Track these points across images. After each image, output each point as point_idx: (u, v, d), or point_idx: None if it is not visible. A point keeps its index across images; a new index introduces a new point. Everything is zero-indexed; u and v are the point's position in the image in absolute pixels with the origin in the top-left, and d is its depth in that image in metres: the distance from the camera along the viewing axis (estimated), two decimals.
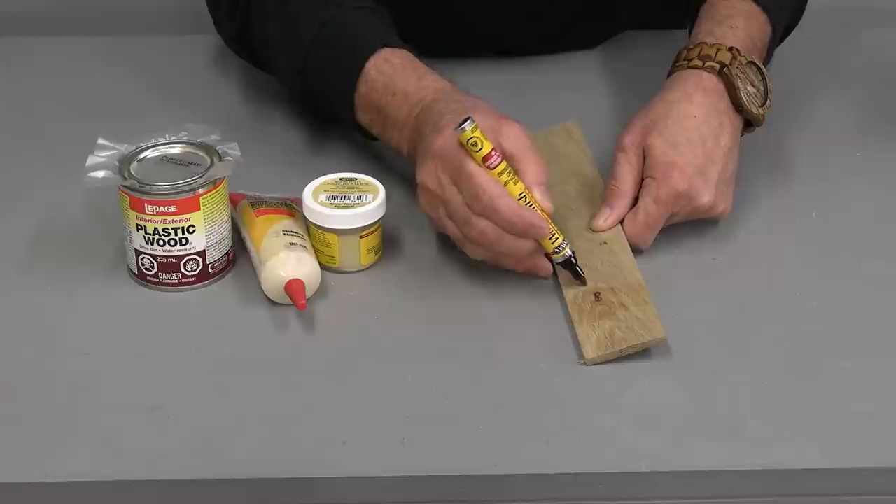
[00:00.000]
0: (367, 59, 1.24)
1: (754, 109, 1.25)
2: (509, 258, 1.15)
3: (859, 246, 1.23)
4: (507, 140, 1.13)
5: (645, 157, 1.21)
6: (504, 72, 1.46)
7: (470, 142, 1.10)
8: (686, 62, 1.26)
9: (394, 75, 1.23)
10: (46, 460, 1.01)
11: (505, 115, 1.16)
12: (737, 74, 1.24)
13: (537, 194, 1.13)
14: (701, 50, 1.26)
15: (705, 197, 1.20)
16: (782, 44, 1.44)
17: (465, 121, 1.10)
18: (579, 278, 1.16)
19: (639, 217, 1.20)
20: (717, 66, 1.24)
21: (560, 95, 1.44)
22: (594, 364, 1.09)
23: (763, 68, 1.27)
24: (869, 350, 1.12)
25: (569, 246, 1.15)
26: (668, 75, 1.28)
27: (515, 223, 1.11)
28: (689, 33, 1.34)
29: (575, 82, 1.47)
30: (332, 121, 1.33)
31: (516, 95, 1.41)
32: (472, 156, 1.11)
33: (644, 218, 1.20)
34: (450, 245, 1.19)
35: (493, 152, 1.11)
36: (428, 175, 1.14)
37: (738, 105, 1.24)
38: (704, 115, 1.22)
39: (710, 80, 1.24)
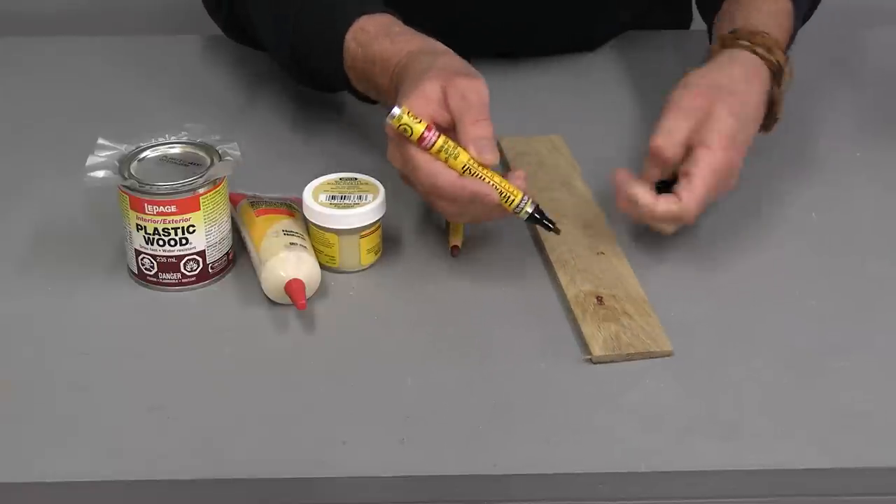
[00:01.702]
0: (345, 31, 1.25)
1: (780, 116, 1.26)
2: (484, 219, 1.17)
3: (859, 246, 1.23)
4: (453, 98, 1.14)
5: (697, 126, 1.18)
6: (504, 73, 1.46)
7: (401, 129, 1.12)
8: (749, 46, 1.25)
9: (369, 44, 1.23)
10: (46, 460, 1.01)
11: (461, 72, 1.16)
12: (787, 81, 1.25)
13: (473, 152, 1.13)
14: (763, 38, 1.25)
15: (740, 164, 1.19)
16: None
17: (393, 109, 1.12)
18: (551, 230, 1.16)
19: (696, 191, 1.15)
20: (775, 64, 1.24)
21: (560, 96, 1.44)
22: (599, 362, 1.09)
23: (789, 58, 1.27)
24: (869, 350, 1.12)
25: (530, 201, 1.15)
26: (720, 43, 1.27)
27: (459, 196, 1.12)
28: (704, 16, 1.33)
29: (575, 83, 1.47)
30: (334, 91, 1.34)
31: (516, 97, 1.41)
32: (409, 141, 1.13)
33: (702, 193, 1.15)
34: (447, 244, 1.20)
35: (425, 133, 1.12)
36: (391, 155, 1.17)
37: (774, 107, 1.25)
38: (755, 104, 1.22)
39: (766, 73, 1.24)
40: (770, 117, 1.26)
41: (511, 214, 1.15)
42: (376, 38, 1.24)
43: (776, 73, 1.25)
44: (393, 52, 1.22)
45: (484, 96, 1.15)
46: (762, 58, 1.24)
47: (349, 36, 1.25)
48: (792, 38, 1.33)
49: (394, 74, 1.21)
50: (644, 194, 1.16)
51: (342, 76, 1.26)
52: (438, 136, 1.13)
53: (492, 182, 1.13)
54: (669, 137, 1.17)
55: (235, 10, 1.38)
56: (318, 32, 1.27)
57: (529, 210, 1.15)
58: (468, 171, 1.13)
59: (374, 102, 1.29)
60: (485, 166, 1.13)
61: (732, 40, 1.26)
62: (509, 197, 1.14)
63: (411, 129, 1.12)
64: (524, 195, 1.15)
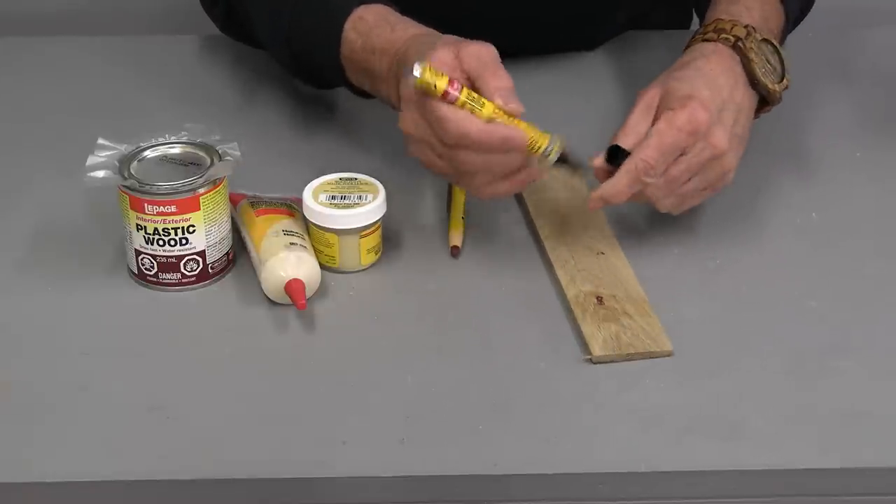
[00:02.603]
0: (343, 21, 1.25)
1: (769, 84, 1.24)
2: (507, 181, 1.15)
3: (860, 245, 1.23)
4: (467, 61, 1.14)
5: (661, 103, 1.19)
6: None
7: (423, 85, 1.11)
8: (701, 35, 1.26)
9: (369, 33, 1.23)
10: (46, 460, 1.01)
11: (466, 40, 1.16)
12: (750, 48, 1.23)
13: (499, 101, 1.13)
14: (716, 25, 1.25)
15: (721, 136, 1.17)
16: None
17: (415, 66, 1.11)
18: (580, 166, 1.16)
19: (651, 139, 1.16)
20: (732, 39, 1.23)
21: (560, 96, 1.44)
22: (599, 362, 1.09)
23: (779, 47, 1.26)
24: (869, 350, 1.11)
25: (558, 142, 1.14)
26: (684, 51, 1.27)
27: (487, 141, 1.11)
28: (701, 18, 1.33)
29: (575, 83, 1.47)
30: (331, 86, 1.34)
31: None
32: (433, 97, 1.12)
33: (657, 140, 1.16)
34: (447, 244, 1.20)
35: (448, 88, 1.12)
36: (405, 122, 1.15)
37: (752, 78, 1.23)
38: (721, 70, 1.22)
39: (726, 50, 1.23)
40: (759, 87, 1.24)
41: (531, 165, 1.14)
42: (376, 26, 1.24)
43: (739, 46, 1.23)
44: (393, 40, 1.22)
45: (497, 56, 1.15)
46: (718, 41, 1.24)
47: (348, 25, 1.25)
48: (785, 27, 1.32)
49: (394, 61, 1.21)
50: (604, 186, 1.17)
51: (338, 68, 1.26)
52: (462, 88, 1.12)
53: (518, 126, 1.13)
54: (632, 127, 1.19)
55: (232, 4, 1.39)
56: (316, 23, 1.27)
57: (558, 153, 1.14)
58: (497, 117, 1.13)
59: (367, 96, 1.29)
60: (510, 115, 1.13)
61: (698, 37, 1.27)
62: (535, 141, 1.13)
63: (435, 84, 1.11)
64: (550, 139, 1.14)
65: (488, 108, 1.12)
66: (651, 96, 1.21)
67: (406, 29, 1.23)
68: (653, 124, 1.18)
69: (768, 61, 1.25)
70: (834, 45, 1.54)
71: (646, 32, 1.54)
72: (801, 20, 1.43)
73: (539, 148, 1.13)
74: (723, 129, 1.18)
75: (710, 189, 1.20)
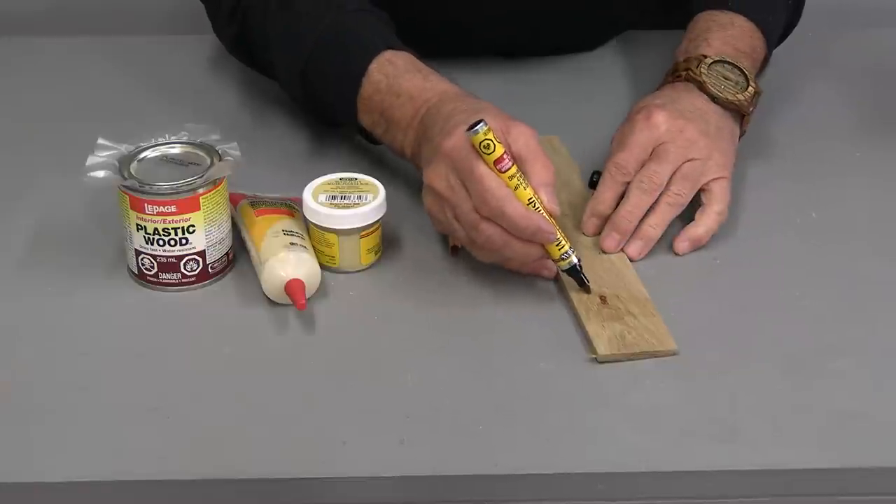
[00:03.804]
0: (370, 61, 1.24)
1: (729, 96, 1.27)
2: (515, 262, 1.16)
3: (859, 246, 1.23)
4: (516, 142, 1.13)
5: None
6: (503, 73, 1.46)
7: (482, 144, 1.10)
8: (661, 84, 1.31)
9: (397, 76, 1.23)
10: (46, 460, 1.01)
11: (513, 118, 1.16)
12: (700, 72, 1.27)
13: (544, 197, 1.13)
14: (673, 69, 1.31)
15: (684, 123, 1.22)
16: (783, 44, 1.44)
17: (479, 123, 1.10)
18: (584, 286, 1.15)
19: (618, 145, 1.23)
20: (683, 74, 1.28)
21: (559, 97, 1.44)
22: (604, 361, 1.09)
23: (737, 63, 1.29)
24: (868, 350, 1.12)
25: (575, 253, 1.14)
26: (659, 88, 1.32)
27: (523, 228, 1.11)
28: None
29: (574, 84, 1.47)
30: (334, 124, 1.34)
31: (515, 97, 1.41)
32: (483, 158, 1.11)
33: (621, 144, 1.22)
34: (447, 244, 1.19)
35: (504, 155, 1.10)
36: (437, 176, 1.14)
37: (710, 95, 1.27)
38: (676, 91, 1.27)
39: (679, 83, 1.28)
40: (720, 102, 1.27)
41: (552, 258, 1.15)
42: (406, 71, 1.23)
43: (690, 75, 1.27)
44: (424, 88, 1.21)
45: (539, 145, 1.15)
46: (672, 82, 1.29)
47: (374, 66, 1.24)
48: (765, 40, 1.36)
49: (421, 110, 1.20)
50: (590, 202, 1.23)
51: (352, 106, 1.25)
52: (513, 163, 1.11)
53: (550, 222, 1.13)
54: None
55: (249, 24, 1.36)
56: (340, 58, 1.27)
57: (575, 261, 1.14)
58: (532, 204, 1.12)
59: (373, 141, 1.29)
60: (547, 212, 1.13)
61: (670, 78, 1.31)
62: (560, 241, 1.13)
63: (494, 146, 1.10)
64: (570, 246, 1.14)
65: (529, 191, 1.12)
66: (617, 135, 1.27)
67: (439, 81, 1.23)
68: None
69: (726, 78, 1.28)
70: (834, 45, 1.54)
71: (646, 32, 1.54)
72: (794, 26, 1.43)
73: (561, 248, 1.14)
74: (686, 121, 1.22)
75: (691, 183, 1.21)
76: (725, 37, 1.32)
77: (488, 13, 1.44)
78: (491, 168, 1.10)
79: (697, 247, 1.21)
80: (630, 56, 1.51)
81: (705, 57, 1.28)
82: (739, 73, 1.29)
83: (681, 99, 1.26)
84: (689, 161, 1.21)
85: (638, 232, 1.20)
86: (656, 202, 1.20)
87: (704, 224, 1.21)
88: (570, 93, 1.45)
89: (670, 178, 1.21)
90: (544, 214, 1.12)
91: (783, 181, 1.31)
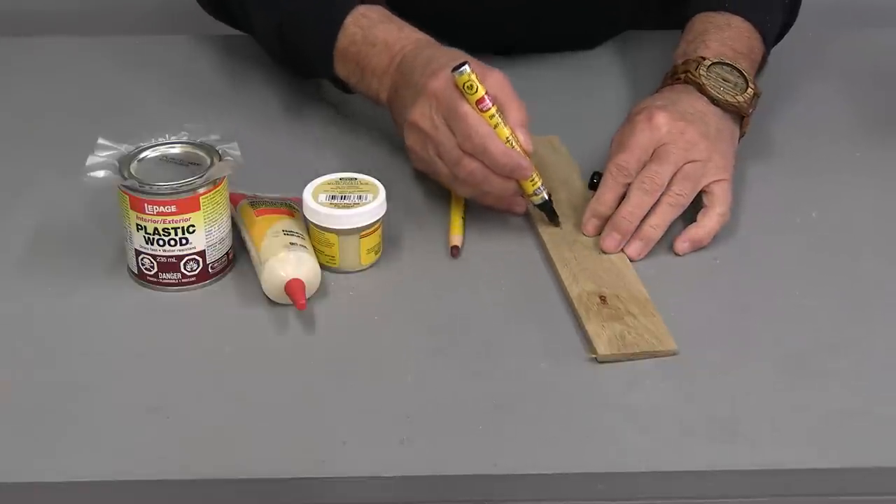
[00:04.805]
0: (345, 15, 1.29)
1: (729, 98, 1.28)
2: (491, 197, 1.21)
3: (859, 246, 1.23)
4: (492, 86, 1.19)
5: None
6: (503, 71, 1.46)
7: (466, 85, 1.17)
8: (660, 86, 1.32)
9: (372, 27, 1.29)
10: (46, 460, 1.01)
11: (487, 65, 1.21)
12: (700, 74, 1.28)
13: (521, 135, 1.19)
14: (672, 72, 1.31)
15: (684, 125, 1.22)
16: (782, 44, 1.44)
17: (463, 64, 1.17)
18: (554, 220, 1.22)
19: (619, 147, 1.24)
20: (683, 76, 1.29)
21: (559, 95, 1.44)
22: (604, 361, 1.09)
23: (736, 64, 1.29)
24: (868, 350, 1.12)
25: (546, 190, 1.21)
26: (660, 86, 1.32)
27: (503, 164, 1.17)
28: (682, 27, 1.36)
29: (575, 82, 1.47)
30: (309, 76, 1.39)
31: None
32: (466, 98, 1.17)
33: (622, 145, 1.23)
34: (447, 244, 1.20)
35: (486, 96, 1.17)
36: (421, 115, 1.20)
37: (710, 98, 1.27)
38: (676, 92, 1.28)
39: (679, 87, 1.29)
40: (720, 104, 1.28)
41: (526, 197, 1.22)
42: (380, 22, 1.29)
43: (689, 77, 1.28)
44: (400, 38, 1.27)
45: (513, 89, 1.21)
46: (672, 84, 1.30)
47: (349, 20, 1.29)
48: (763, 41, 1.36)
49: (397, 58, 1.25)
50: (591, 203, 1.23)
51: (329, 57, 1.30)
52: (494, 104, 1.18)
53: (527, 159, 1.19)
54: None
55: None
56: (314, 12, 1.31)
57: (546, 196, 1.22)
58: (509, 142, 1.18)
59: (347, 91, 1.33)
60: (523, 149, 1.19)
61: (670, 80, 1.31)
62: (534, 178, 1.20)
63: (477, 87, 1.17)
64: (542, 183, 1.21)
65: (507, 130, 1.18)
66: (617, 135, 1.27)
67: (413, 31, 1.28)
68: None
69: (725, 80, 1.29)
70: (834, 45, 1.54)
71: (646, 32, 1.54)
72: (790, 26, 1.44)
73: (535, 184, 1.20)
74: (687, 123, 1.23)
75: (692, 184, 1.21)
76: (723, 38, 1.33)
77: (488, 10, 1.45)
78: (473, 108, 1.17)
79: (698, 248, 1.21)
80: (630, 55, 1.51)
81: (704, 59, 1.29)
82: (738, 74, 1.29)
83: (681, 101, 1.26)
84: (690, 162, 1.21)
85: (638, 232, 1.20)
86: (657, 203, 1.21)
87: (706, 226, 1.21)
88: (570, 91, 1.45)
89: (671, 179, 1.21)
90: (520, 152, 1.19)
91: (783, 181, 1.31)
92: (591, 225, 1.22)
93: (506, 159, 1.17)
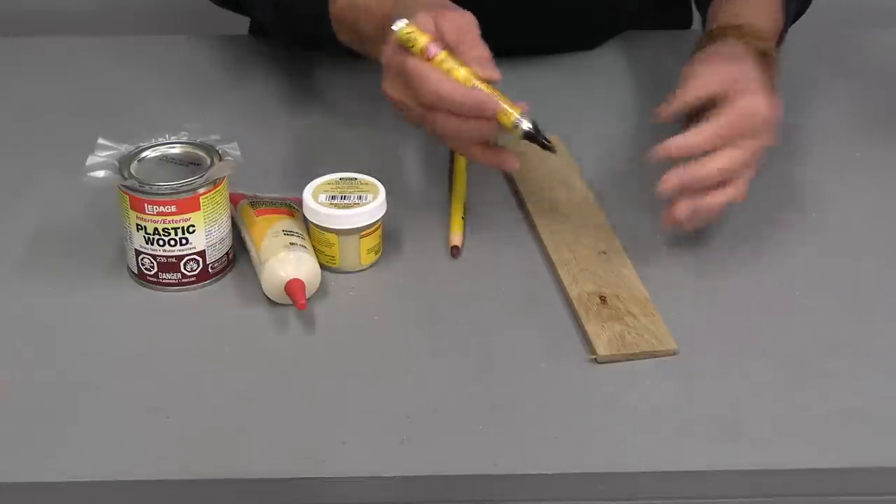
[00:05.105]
0: None
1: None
2: (476, 147, 1.16)
3: (859, 246, 1.23)
4: (447, 27, 1.15)
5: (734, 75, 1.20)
6: (502, 71, 1.45)
7: (405, 40, 1.13)
8: (735, 36, 1.26)
9: None
10: (46, 460, 1.01)
11: (449, 5, 1.18)
12: (775, 58, 1.25)
13: (477, 68, 1.14)
14: (750, 28, 1.26)
15: (772, 117, 1.18)
16: (782, 43, 1.44)
17: (396, 22, 1.13)
18: (546, 147, 1.16)
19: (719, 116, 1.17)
20: (762, 48, 1.24)
21: (559, 96, 1.44)
22: (604, 362, 1.09)
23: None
24: (868, 350, 1.12)
25: (528, 118, 1.15)
26: (707, 38, 1.28)
27: (462, 102, 1.12)
28: (703, 14, 1.34)
29: (575, 82, 1.47)
30: (317, 46, 1.35)
31: (515, 96, 1.40)
32: (411, 53, 1.13)
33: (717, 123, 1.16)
34: (448, 244, 1.20)
35: (429, 45, 1.13)
36: (387, 86, 1.17)
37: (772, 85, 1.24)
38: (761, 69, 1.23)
39: (756, 57, 1.24)
40: None
41: (507, 131, 1.15)
42: None
43: (767, 61, 1.24)
44: (379, 2, 1.22)
45: (476, 27, 1.17)
46: (749, 45, 1.25)
47: None
48: (783, 31, 1.34)
49: (381, 23, 1.21)
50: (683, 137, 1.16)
51: (327, 24, 1.27)
52: (441, 49, 1.14)
53: (493, 94, 1.14)
54: (702, 79, 1.18)
55: None
56: None
57: (528, 125, 1.15)
58: (470, 82, 1.14)
59: (357, 56, 1.29)
60: (486, 82, 1.14)
61: (720, 34, 1.27)
62: (507, 110, 1.14)
63: (416, 39, 1.13)
64: (523, 111, 1.15)
65: (465, 70, 1.14)
66: (715, 61, 1.21)
67: None
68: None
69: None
70: (834, 45, 1.54)
71: (646, 32, 1.54)
72: (801, 14, 1.43)
73: (511, 116, 1.14)
74: (775, 109, 1.19)
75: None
76: (769, 13, 1.30)
77: (488, 11, 1.44)
78: (420, 59, 1.13)
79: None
80: (630, 55, 1.51)
81: (773, 43, 1.25)
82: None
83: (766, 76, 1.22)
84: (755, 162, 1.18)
85: (703, 203, 1.16)
86: (728, 185, 1.17)
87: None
88: (570, 91, 1.45)
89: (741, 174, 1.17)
90: (485, 89, 1.13)
91: (783, 181, 1.31)
92: (664, 152, 1.15)
93: (463, 98, 1.12)
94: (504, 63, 1.33)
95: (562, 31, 1.49)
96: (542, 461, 1.02)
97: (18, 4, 1.91)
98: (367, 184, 1.20)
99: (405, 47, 1.14)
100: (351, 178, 1.21)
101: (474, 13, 1.44)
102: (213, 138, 1.18)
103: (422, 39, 1.14)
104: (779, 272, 1.20)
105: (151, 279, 1.17)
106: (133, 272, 1.18)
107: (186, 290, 1.17)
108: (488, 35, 1.46)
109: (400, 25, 1.14)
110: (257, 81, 1.44)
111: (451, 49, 1.14)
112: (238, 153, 1.17)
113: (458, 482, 1.02)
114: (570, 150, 1.33)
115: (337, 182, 1.20)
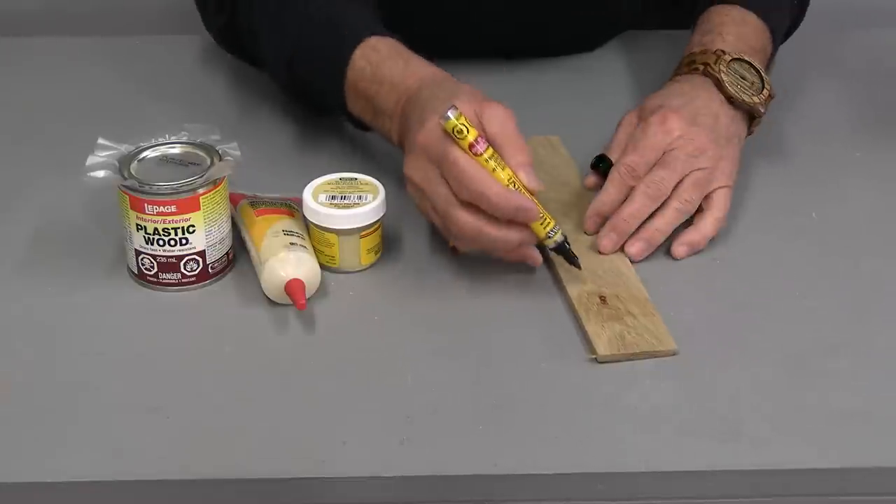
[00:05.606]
0: (354, 48, 1.24)
1: (746, 98, 1.26)
2: (497, 249, 1.15)
3: (859, 246, 1.23)
4: (491, 124, 1.13)
5: (638, 120, 1.26)
6: (503, 74, 1.46)
7: (455, 130, 1.10)
8: (675, 73, 1.30)
9: (380, 63, 1.22)
10: (46, 460, 1.01)
11: (488, 98, 1.15)
12: (720, 69, 1.26)
13: (523, 176, 1.12)
14: (688, 59, 1.30)
15: (697, 133, 1.21)
16: (783, 43, 1.44)
17: (449, 109, 1.10)
18: (573, 263, 1.16)
19: (630, 146, 1.22)
20: (701, 67, 1.27)
21: (559, 96, 1.44)
22: (604, 362, 1.09)
23: (753, 62, 1.28)
24: (868, 350, 1.12)
25: (561, 230, 1.14)
26: (673, 75, 1.31)
27: (503, 207, 1.10)
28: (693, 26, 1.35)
29: (574, 83, 1.47)
30: (325, 112, 1.33)
31: (515, 97, 1.40)
32: (457, 144, 1.11)
33: (634, 145, 1.22)
34: (447, 244, 1.20)
35: (478, 139, 1.10)
36: (413, 169, 1.14)
37: (727, 95, 1.26)
38: (692, 88, 1.26)
39: (697, 77, 1.27)
40: (736, 103, 1.27)
41: (538, 239, 1.14)
42: (388, 58, 1.23)
43: (709, 71, 1.27)
44: (406, 76, 1.21)
45: (515, 122, 1.14)
46: (689, 73, 1.28)
47: (358, 53, 1.23)
48: (772, 40, 1.35)
49: (403, 98, 1.20)
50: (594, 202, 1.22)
51: (340, 94, 1.25)
52: (488, 146, 1.11)
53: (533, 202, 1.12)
54: (616, 149, 1.25)
55: (238, 17, 1.36)
56: (323, 46, 1.26)
57: (561, 238, 1.14)
58: (512, 184, 1.11)
59: (364, 128, 1.28)
60: (528, 191, 1.12)
61: (683, 67, 1.30)
62: (544, 219, 1.13)
63: (467, 131, 1.10)
64: (556, 224, 1.14)
65: (508, 172, 1.11)
66: (630, 118, 1.26)
67: (420, 67, 1.22)
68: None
69: (743, 78, 1.28)
70: (834, 45, 1.54)
71: (646, 32, 1.54)
72: (796, 28, 1.44)
73: (546, 226, 1.13)
74: (699, 128, 1.22)
75: (700, 191, 1.21)
76: (740, 33, 1.31)
77: (488, 13, 1.44)
78: (466, 152, 1.10)
79: (695, 252, 1.21)
80: (630, 56, 1.51)
81: (723, 53, 1.27)
82: (755, 73, 1.28)
83: (698, 98, 1.25)
84: (698, 170, 1.21)
85: (642, 233, 1.20)
86: (664, 206, 1.20)
87: (702, 230, 1.21)
88: (570, 93, 1.46)
89: (680, 185, 1.20)
90: (526, 194, 1.12)
91: (783, 181, 1.31)
92: (591, 222, 1.22)
93: (505, 202, 1.09)
94: (503, 64, 1.34)
95: (562, 33, 1.49)
96: (543, 461, 1.02)
97: (18, 4, 1.91)
98: (366, 184, 1.20)
99: (451, 137, 1.11)
100: (351, 179, 1.21)
101: (475, 14, 1.44)
102: (213, 138, 1.18)
103: (472, 133, 1.10)
104: (779, 272, 1.20)
105: (151, 279, 1.17)
106: (133, 272, 1.18)
107: (186, 290, 1.17)
108: (488, 36, 1.46)
109: (453, 114, 1.10)
110: (257, 81, 1.44)
111: (493, 146, 1.12)
112: (238, 153, 1.17)
113: (458, 482, 1.02)
114: (570, 150, 1.33)
115: (337, 182, 1.20)
